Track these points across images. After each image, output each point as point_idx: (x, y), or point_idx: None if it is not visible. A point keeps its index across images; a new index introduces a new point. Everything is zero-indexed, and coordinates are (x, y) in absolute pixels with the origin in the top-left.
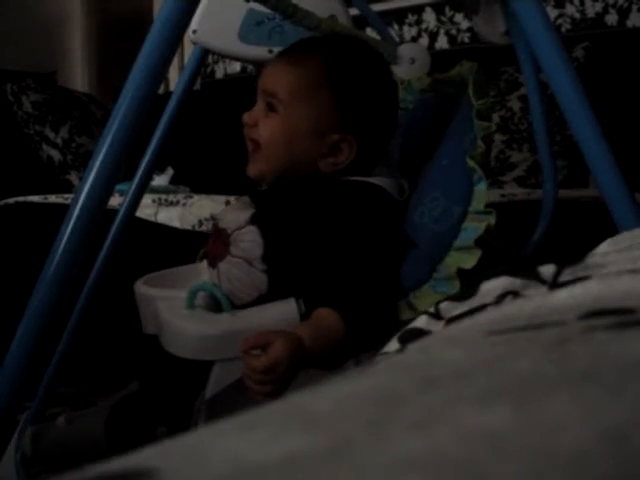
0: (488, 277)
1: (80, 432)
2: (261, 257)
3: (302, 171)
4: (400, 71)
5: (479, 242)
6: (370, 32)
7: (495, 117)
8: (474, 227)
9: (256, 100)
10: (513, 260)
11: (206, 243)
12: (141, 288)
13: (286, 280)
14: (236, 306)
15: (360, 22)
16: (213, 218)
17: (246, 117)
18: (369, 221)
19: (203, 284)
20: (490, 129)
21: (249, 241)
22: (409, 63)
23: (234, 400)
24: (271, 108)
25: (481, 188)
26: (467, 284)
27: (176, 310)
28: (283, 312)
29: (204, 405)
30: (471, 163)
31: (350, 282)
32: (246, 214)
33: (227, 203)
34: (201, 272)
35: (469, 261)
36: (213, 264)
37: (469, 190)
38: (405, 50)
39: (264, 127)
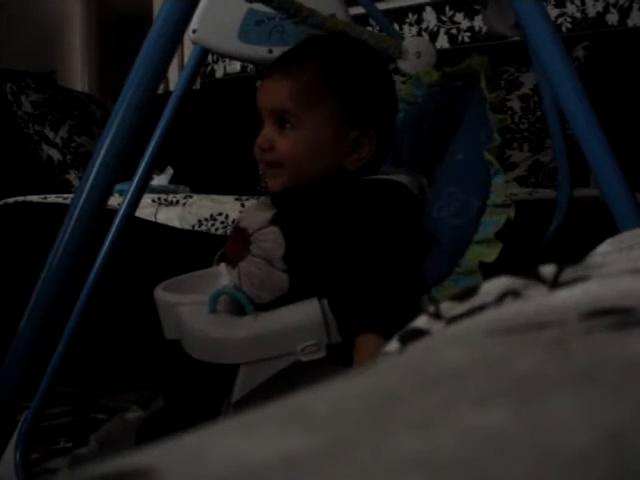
0: (507, 271)
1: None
2: (282, 257)
3: (329, 174)
4: (406, 65)
5: (499, 235)
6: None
7: None
8: (493, 220)
9: (262, 122)
10: (533, 252)
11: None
12: (161, 294)
13: (307, 280)
14: (257, 306)
15: (363, 21)
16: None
17: (260, 141)
18: (392, 219)
19: (225, 287)
20: (505, 122)
21: (270, 241)
22: (415, 57)
23: (261, 402)
24: (284, 125)
25: (499, 181)
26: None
27: (199, 315)
28: (307, 313)
29: (231, 409)
30: (488, 156)
31: (373, 281)
32: (268, 214)
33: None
34: (220, 276)
35: (490, 254)
36: (233, 264)
37: (487, 183)
38: (410, 44)
39: (283, 146)
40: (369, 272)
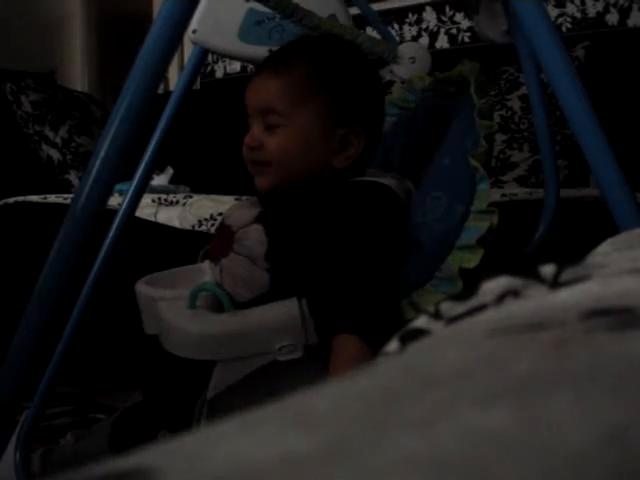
0: (489, 277)
1: (87, 449)
2: (264, 256)
3: (317, 172)
4: (400, 70)
5: (481, 241)
6: (370, 32)
7: (495, 117)
8: (476, 226)
9: (250, 121)
10: (515, 259)
11: (207, 243)
12: (142, 288)
13: (289, 279)
14: (237, 304)
15: (360, 22)
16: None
17: (248, 140)
18: (375, 222)
19: (205, 284)
20: (492, 128)
21: (253, 239)
22: (409, 62)
23: (236, 400)
24: (272, 124)
25: (483, 187)
26: (469, 284)
27: (178, 310)
28: (285, 312)
29: (206, 405)
30: (473, 162)
31: (353, 283)
32: (252, 213)
33: (228, 203)
34: (203, 272)
35: (472, 260)
36: (216, 261)
37: (471, 189)
38: (405, 49)
39: (272, 145)
40: (347, 273)
